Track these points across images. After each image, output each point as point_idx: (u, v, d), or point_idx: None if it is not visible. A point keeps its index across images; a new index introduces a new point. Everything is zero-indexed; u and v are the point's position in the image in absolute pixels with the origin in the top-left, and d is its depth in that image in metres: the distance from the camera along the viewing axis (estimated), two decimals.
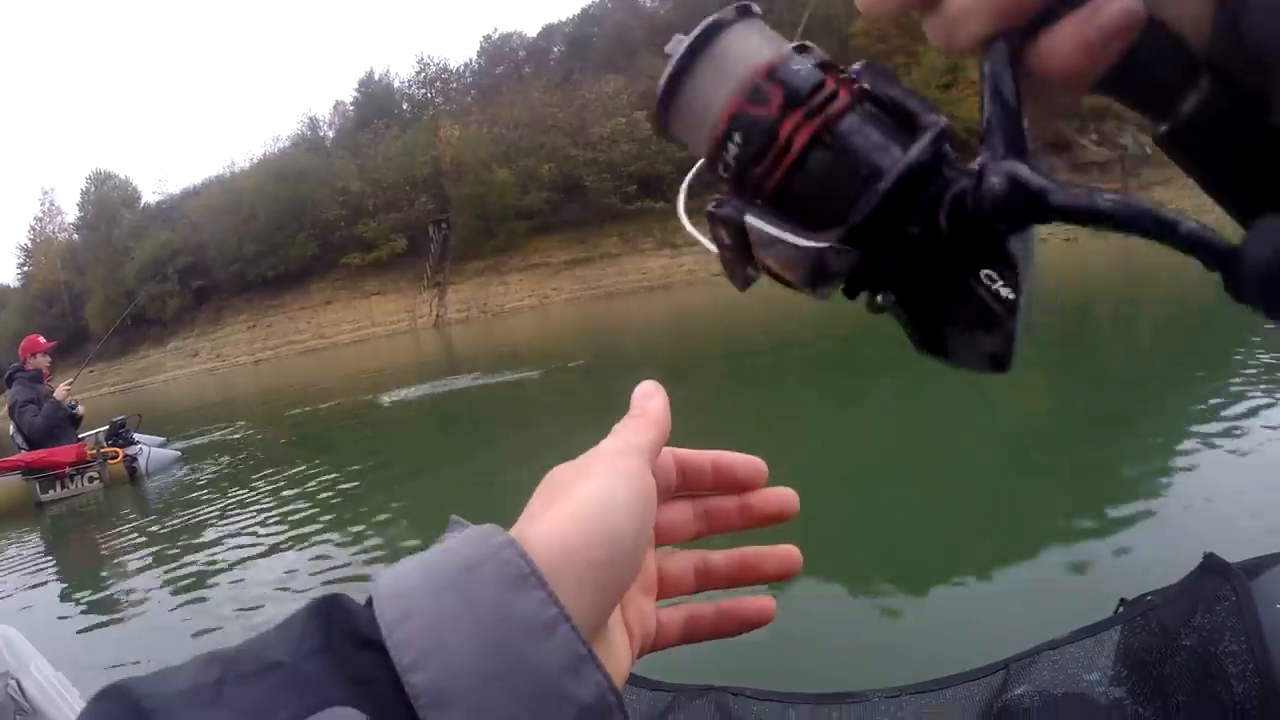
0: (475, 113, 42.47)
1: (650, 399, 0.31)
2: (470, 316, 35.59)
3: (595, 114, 35.30)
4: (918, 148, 0.24)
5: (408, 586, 0.23)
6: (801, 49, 0.25)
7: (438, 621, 0.22)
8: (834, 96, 0.24)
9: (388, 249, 40.46)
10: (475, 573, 0.23)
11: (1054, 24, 0.23)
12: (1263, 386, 4.00)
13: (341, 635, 0.22)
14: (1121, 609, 0.71)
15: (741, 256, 0.26)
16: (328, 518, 4.48)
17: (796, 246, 0.24)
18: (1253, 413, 3.71)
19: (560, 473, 0.28)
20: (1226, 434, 3.54)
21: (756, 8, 0.26)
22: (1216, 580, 0.62)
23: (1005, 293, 0.24)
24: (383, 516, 4.32)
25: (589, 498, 0.26)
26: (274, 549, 4.04)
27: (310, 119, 52.84)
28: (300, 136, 50.28)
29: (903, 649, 2.23)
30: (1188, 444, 3.51)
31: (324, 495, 5.07)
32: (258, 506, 5.11)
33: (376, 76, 50.99)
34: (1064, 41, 0.23)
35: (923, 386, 5.07)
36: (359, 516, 4.39)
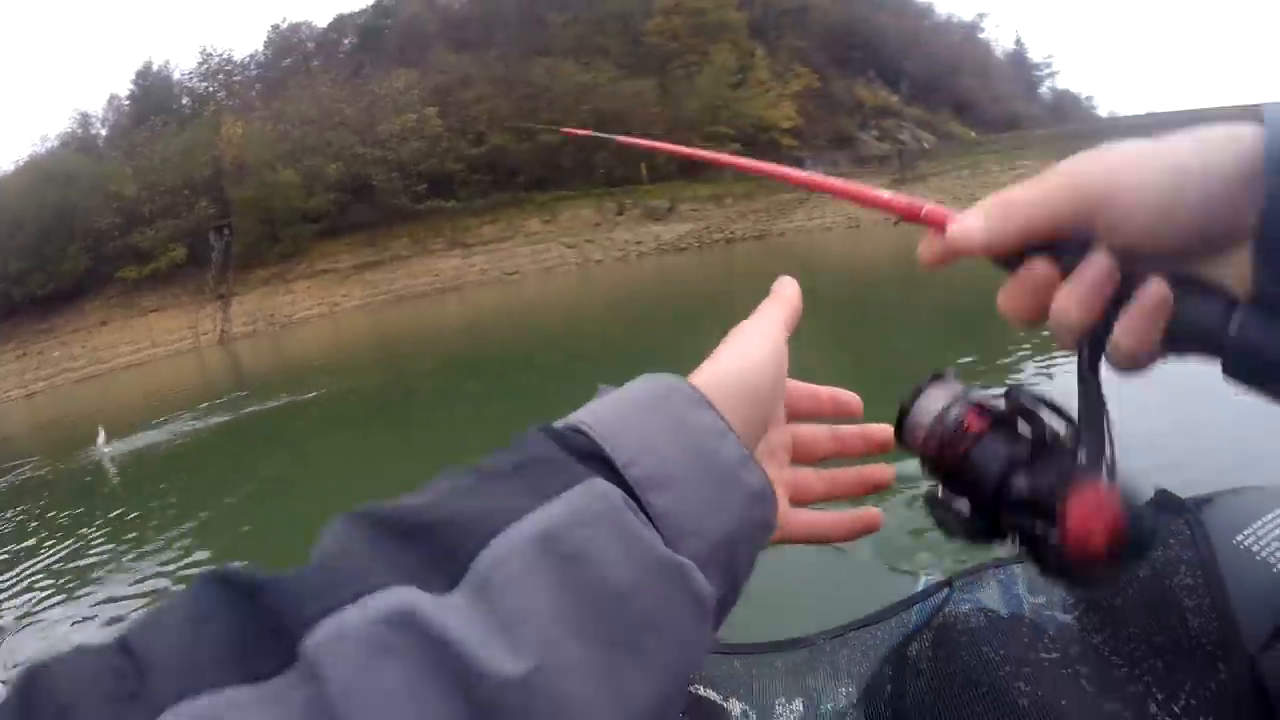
0: (260, 108, 39.16)
1: (786, 286, 0.38)
2: (257, 330, 32.72)
3: (385, 110, 33.55)
4: (1023, 481, 0.33)
5: (608, 415, 0.29)
6: (971, 402, 0.36)
7: (643, 431, 0.28)
8: (968, 431, 0.35)
9: (166, 259, 36.45)
10: (666, 399, 0.30)
11: (1115, 324, 0.30)
12: None
13: (568, 449, 0.27)
14: None
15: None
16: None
17: (956, 510, 0.36)
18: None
19: (728, 336, 0.35)
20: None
21: (948, 371, 0.37)
22: (1168, 514, 0.58)
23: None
24: None
25: (735, 351, 0.34)
26: None
27: (81, 115, 46.80)
28: (70, 135, 45.08)
29: (843, 594, 2.23)
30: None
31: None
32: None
33: (155, 68, 45.89)
34: (1125, 334, 0.29)
35: None
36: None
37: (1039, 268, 0.30)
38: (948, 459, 0.36)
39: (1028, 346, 5.61)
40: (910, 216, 0.35)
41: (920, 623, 0.65)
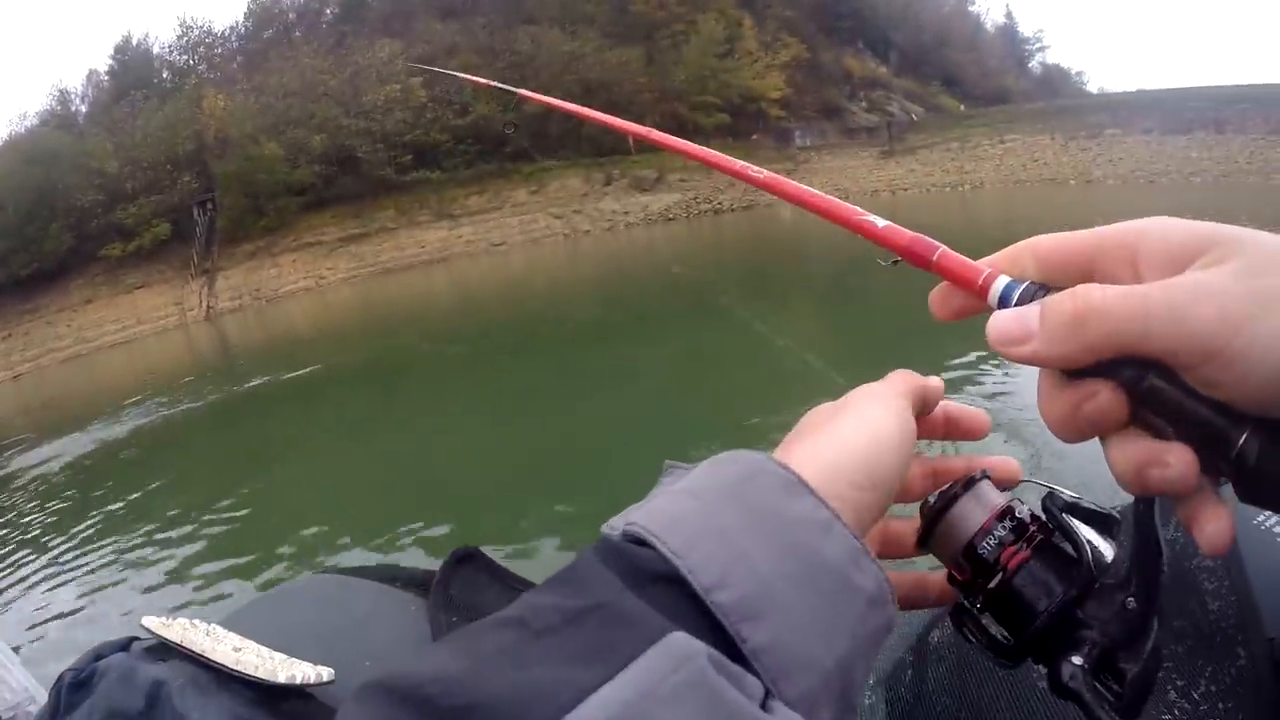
0: (242, 81, 38.68)
1: (934, 383, 0.33)
2: (243, 305, 32.56)
3: (369, 81, 33.15)
4: (1050, 609, 0.29)
5: (679, 515, 0.23)
6: (1004, 513, 0.31)
7: (727, 537, 0.22)
8: (1009, 565, 0.30)
9: (150, 236, 36.14)
10: (748, 485, 0.24)
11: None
12: None
13: (637, 574, 0.22)
14: None
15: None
16: None
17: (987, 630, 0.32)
18: None
19: (818, 413, 0.29)
20: None
21: (982, 480, 0.33)
22: None
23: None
24: None
25: (859, 426, 0.27)
26: None
27: (61, 92, 46.15)
28: (50, 112, 44.52)
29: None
30: None
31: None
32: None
33: (134, 42, 45.16)
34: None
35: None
36: None
37: (1106, 397, 0.25)
38: (984, 587, 0.32)
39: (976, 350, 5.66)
40: (916, 261, 0.30)
41: (942, 610, 0.61)
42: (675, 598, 0.22)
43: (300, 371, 9.97)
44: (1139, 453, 0.25)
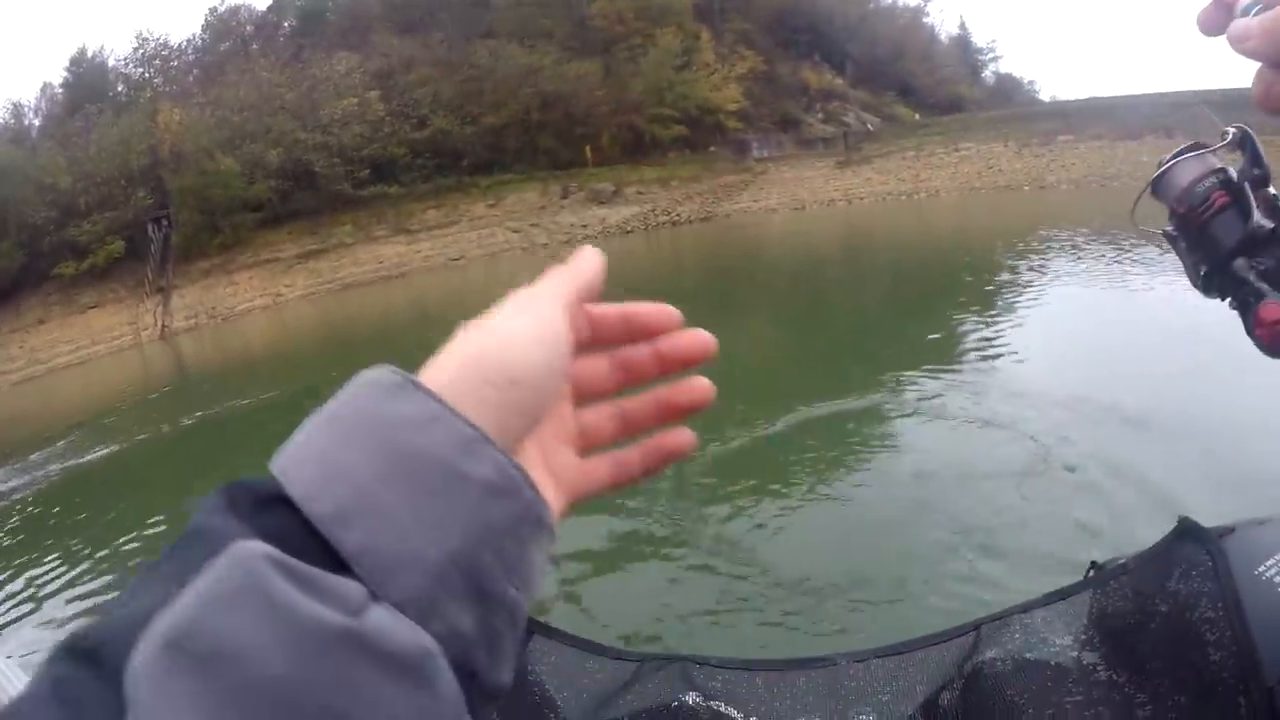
0: (198, 94, 38.11)
1: (584, 257, 0.32)
2: (199, 324, 31.94)
3: (326, 94, 32.87)
4: (1243, 264, 0.41)
5: (303, 440, 0.24)
6: (1217, 172, 0.43)
7: (330, 449, 0.23)
8: (1214, 204, 0.42)
9: (104, 254, 35.46)
10: (359, 396, 0.24)
11: None
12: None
13: (241, 500, 0.22)
14: (1093, 573, 0.68)
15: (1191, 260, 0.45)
16: None
17: (1193, 264, 0.44)
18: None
19: (468, 324, 0.29)
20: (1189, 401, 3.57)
21: (1208, 145, 0.45)
22: (1191, 545, 0.59)
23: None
24: None
25: (491, 326, 0.27)
26: None
27: (14, 105, 45.25)
28: (3, 126, 43.56)
29: (871, 615, 2.12)
30: (1154, 407, 3.49)
31: None
32: None
33: (90, 54, 44.39)
34: None
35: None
36: None
37: None
38: (1192, 221, 0.43)
39: (968, 324, 5.76)
40: None
41: (952, 671, 0.64)
42: (285, 517, 0.22)
43: (258, 398, 9.70)
44: None
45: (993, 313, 6.18)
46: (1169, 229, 0.46)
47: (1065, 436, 3.51)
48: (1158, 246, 0.43)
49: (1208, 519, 0.61)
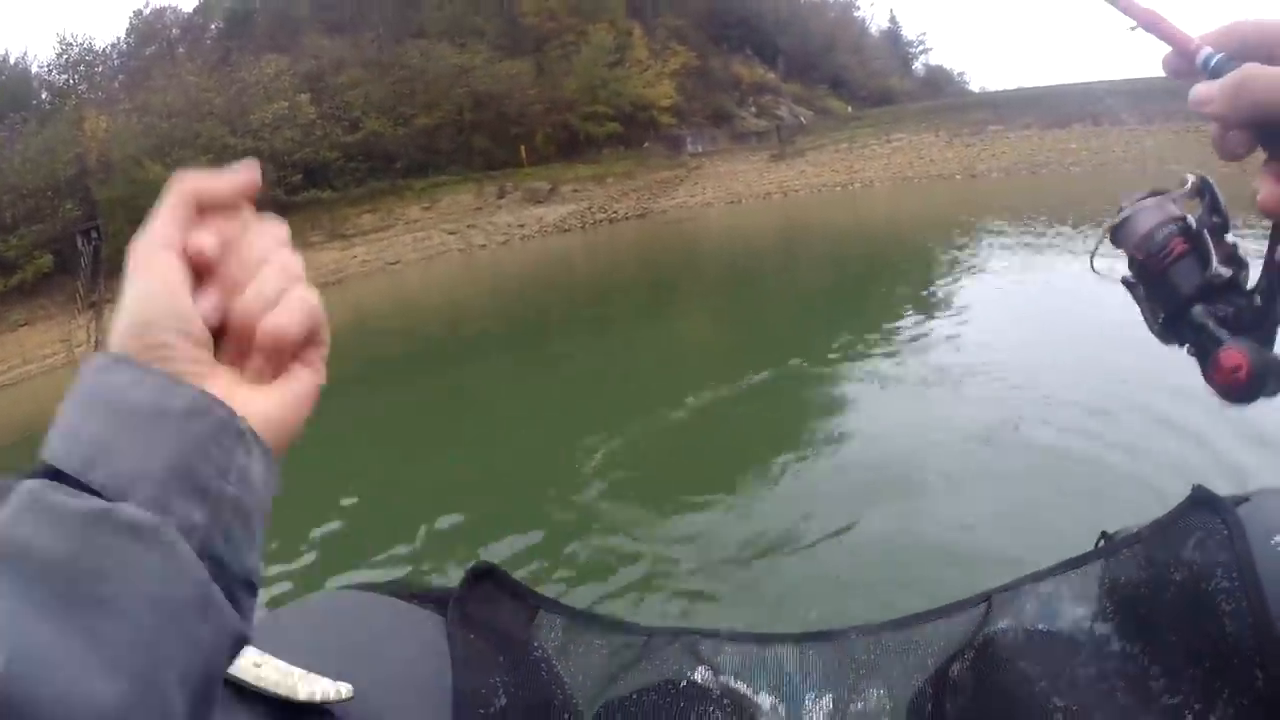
0: (124, 101, 36.95)
1: (175, 182, 0.38)
2: None
3: (255, 98, 32.16)
4: (1201, 311, 0.43)
5: (57, 423, 0.32)
6: (1176, 219, 0.45)
7: (70, 422, 0.31)
8: (1172, 251, 0.44)
9: (32, 269, 34.09)
10: (93, 376, 0.32)
11: None
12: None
13: (25, 472, 0.30)
14: (1102, 542, 0.66)
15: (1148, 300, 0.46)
16: None
17: (1151, 311, 0.45)
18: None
19: None
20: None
21: (1167, 192, 0.46)
22: (1206, 513, 0.57)
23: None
24: None
25: (124, 301, 0.35)
26: None
27: None
28: None
29: (883, 586, 2.11)
30: (1157, 380, 3.36)
31: None
32: None
33: (12, 60, 42.60)
34: None
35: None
36: None
37: (1239, 137, 0.36)
38: (1150, 268, 0.44)
39: (900, 321, 6.00)
40: (1149, 29, 0.40)
41: (963, 642, 0.64)
42: (56, 475, 0.29)
43: None
44: (1264, 185, 0.36)
45: (926, 296, 6.44)
46: (1127, 276, 0.47)
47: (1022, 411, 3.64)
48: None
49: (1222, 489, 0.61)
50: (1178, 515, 0.61)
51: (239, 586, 0.31)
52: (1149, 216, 0.45)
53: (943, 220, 14.15)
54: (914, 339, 5.46)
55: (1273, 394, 0.40)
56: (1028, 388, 4.00)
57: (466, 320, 10.11)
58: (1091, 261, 0.51)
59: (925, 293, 6.97)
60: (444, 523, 3.79)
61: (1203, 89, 0.37)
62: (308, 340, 0.39)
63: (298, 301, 0.38)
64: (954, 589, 0.71)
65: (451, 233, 27.56)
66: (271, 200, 31.02)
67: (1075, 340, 4.65)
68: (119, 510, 0.27)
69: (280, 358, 0.38)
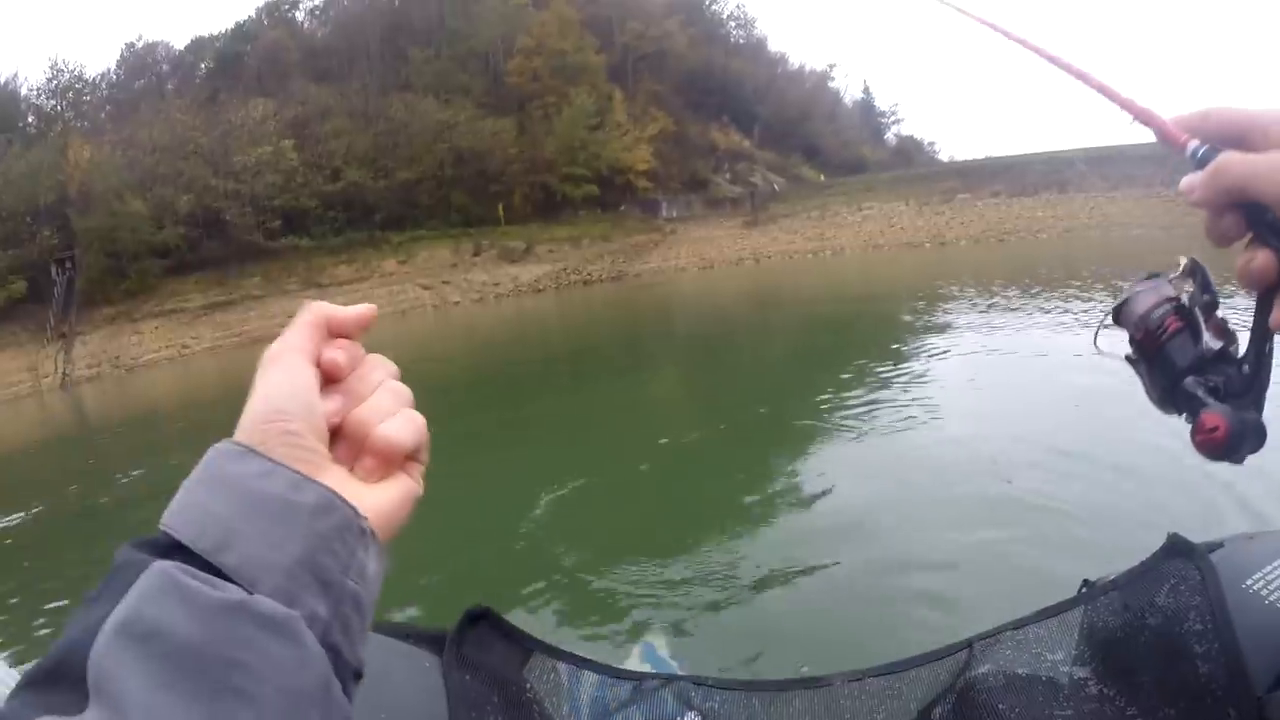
0: (110, 132, 37.06)
1: (305, 310, 0.41)
2: (102, 373, 30.75)
3: (240, 140, 32.41)
4: (1194, 383, 0.46)
5: (177, 503, 0.33)
6: (1171, 299, 0.49)
7: (201, 505, 0.33)
8: (1168, 328, 0.48)
9: (4, 294, 33.65)
10: (212, 464, 0.34)
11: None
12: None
13: (146, 547, 0.32)
14: (1085, 589, 0.69)
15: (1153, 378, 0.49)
16: None
17: (1151, 383, 0.49)
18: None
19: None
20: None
21: (1162, 275, 0.51)
22: (1180, 560, 0.60)
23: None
24: None
25: (259, 391, 0.37)
26: None
27: None
28: None
29: (867, 633, 2.17)
30: (1148, 427, 3.29)
31: None
32: None
33: (3, 81, 42.79)
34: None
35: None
36: None
37: (1229, 221, 0.40)
38: (1149, 345, 0.48)
39: (868, 380, 6.19)
40: (1143, 122, 0.44)
41: (945, 687, 0.66)
42: (181, 555, 0.31)
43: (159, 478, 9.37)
44: (1243, 258, 0.40)
45: (892, 360, 6.51)
46: (1129, 354, 0.52)
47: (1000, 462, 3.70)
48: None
49: (1197, 537, 0.63)
50: (1154, 563, 0.64)
51: (349, 675, 0.33)
52: (1146, 298, 0.50)
53: (909, 287, 14.40)
54: (879, 402, 5.50)
55: (1253, 451, 0.44)
56: (995, 438, 4.11)
57: (437, 374, 10.31)
58: (1095, 340, 0.55)
59: (894, 350, 7.12)
60: (426, 575, 3.81)
61: (1187, 180, 0.40)
62: (412, 455, 0.42)
63: (411, 418, 0.41)
64: (940, 635, 0.77)
65: (426, 288, 27.96)
66: (250, 245, 31.29)
67: (1055, 400, 4.76)
68: (258, 603, 0.29)
69: (390, 463, 0.40)
